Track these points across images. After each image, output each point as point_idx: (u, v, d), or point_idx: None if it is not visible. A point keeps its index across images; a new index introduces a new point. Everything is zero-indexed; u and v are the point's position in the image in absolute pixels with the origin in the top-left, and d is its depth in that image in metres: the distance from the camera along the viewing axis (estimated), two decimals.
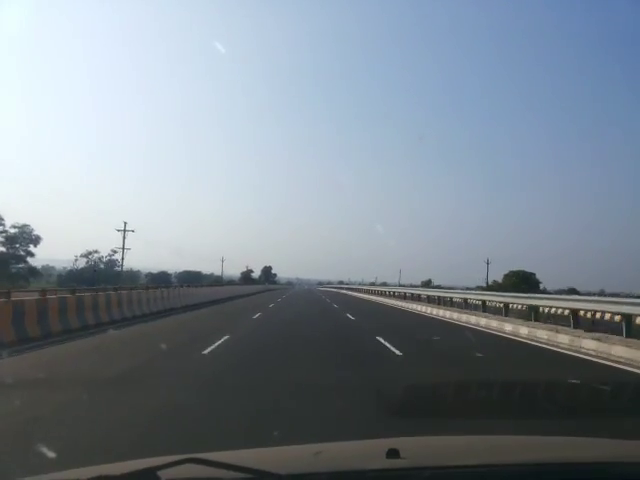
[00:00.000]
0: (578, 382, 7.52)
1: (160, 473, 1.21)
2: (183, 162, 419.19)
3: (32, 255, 56.44)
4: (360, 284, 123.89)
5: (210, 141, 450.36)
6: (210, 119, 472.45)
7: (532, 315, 16.67)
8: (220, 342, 11.03)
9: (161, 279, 78.40)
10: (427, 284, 72.49)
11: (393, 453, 1.38)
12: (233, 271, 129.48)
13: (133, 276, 78.71)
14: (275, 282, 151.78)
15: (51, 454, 3.76)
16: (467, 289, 40.29)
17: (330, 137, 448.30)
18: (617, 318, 12.59)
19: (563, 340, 11.94)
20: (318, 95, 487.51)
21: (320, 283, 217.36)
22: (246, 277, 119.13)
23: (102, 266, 73.97)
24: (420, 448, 1.72)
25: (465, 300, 24.11)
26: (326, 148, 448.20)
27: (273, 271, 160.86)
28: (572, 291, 50.34)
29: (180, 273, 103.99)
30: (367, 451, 1.69)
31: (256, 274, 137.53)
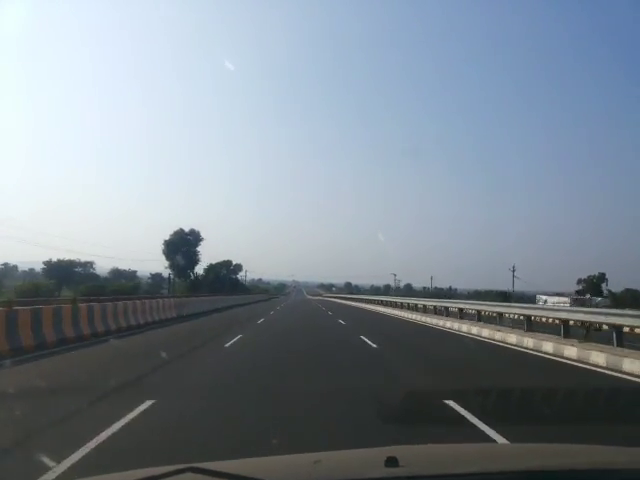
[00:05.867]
0: None
1: None
2: (184, 166, 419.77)
3: None
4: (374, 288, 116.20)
5: (212, 147, 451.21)
6: (213, 123, 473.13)
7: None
8: None
9: None
10: None
11: (392, 461, 1.38)
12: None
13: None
14: (246, 287, 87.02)
15: (52, 464, 3.77)
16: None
17: (332, 138, 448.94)
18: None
19: None
20: (320, 100, 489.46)
21: (322, 285, 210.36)
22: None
23: None
24: (419, 456, 1.73)
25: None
26: (328, 150, 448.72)
27: (242, 264, 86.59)
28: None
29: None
30: (366, 460, 1.69)
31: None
